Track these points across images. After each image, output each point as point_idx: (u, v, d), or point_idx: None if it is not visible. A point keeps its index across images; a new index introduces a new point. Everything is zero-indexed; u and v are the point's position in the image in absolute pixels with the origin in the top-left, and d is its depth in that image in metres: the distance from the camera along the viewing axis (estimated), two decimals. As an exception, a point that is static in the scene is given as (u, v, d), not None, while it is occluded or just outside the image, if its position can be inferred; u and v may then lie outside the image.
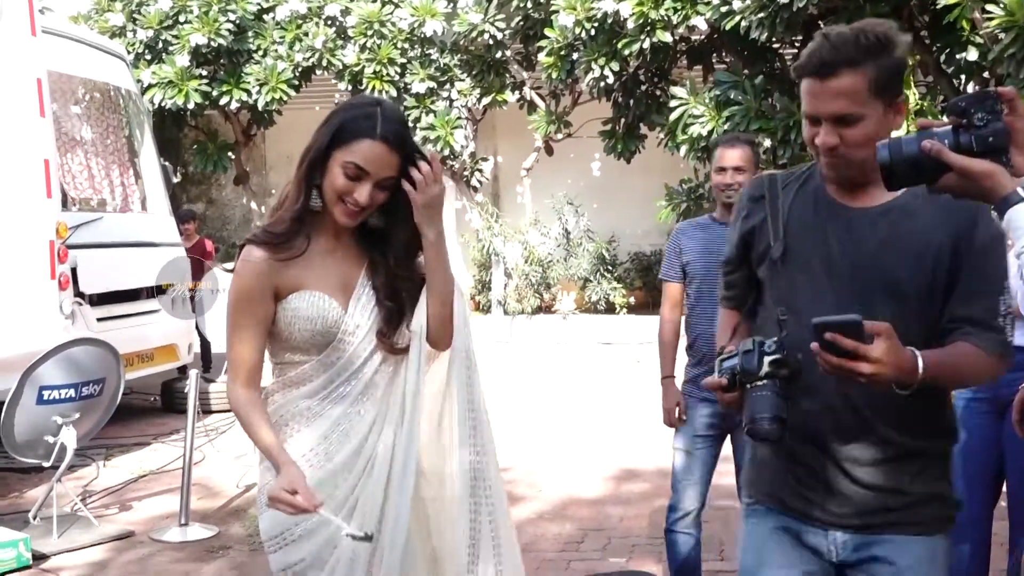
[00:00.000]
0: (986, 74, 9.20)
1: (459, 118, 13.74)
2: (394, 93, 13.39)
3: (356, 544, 2.24)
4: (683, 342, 4.05)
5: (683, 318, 4.02)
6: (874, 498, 2.06)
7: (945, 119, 1.79)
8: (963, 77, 9.52)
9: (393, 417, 2.34)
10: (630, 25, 10.62)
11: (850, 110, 1.98)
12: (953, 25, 8.37)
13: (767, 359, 1.99)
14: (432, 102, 13.63)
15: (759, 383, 1.99)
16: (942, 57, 9.26)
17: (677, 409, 3.92)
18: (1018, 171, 1.73)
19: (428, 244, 2.30)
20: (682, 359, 4.04)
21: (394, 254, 2.34)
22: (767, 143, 9.83)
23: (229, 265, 7.87)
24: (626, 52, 10.80)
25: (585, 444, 7.35)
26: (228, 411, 8.23)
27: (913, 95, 8.50)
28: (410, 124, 13.50)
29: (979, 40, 8.42)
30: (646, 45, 10.63)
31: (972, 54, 8.68)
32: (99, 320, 7.49)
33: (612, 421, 8.07)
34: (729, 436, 3.94)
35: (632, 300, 14.18)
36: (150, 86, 13.05)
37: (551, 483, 6.28)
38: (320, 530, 2.28)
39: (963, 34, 8.71)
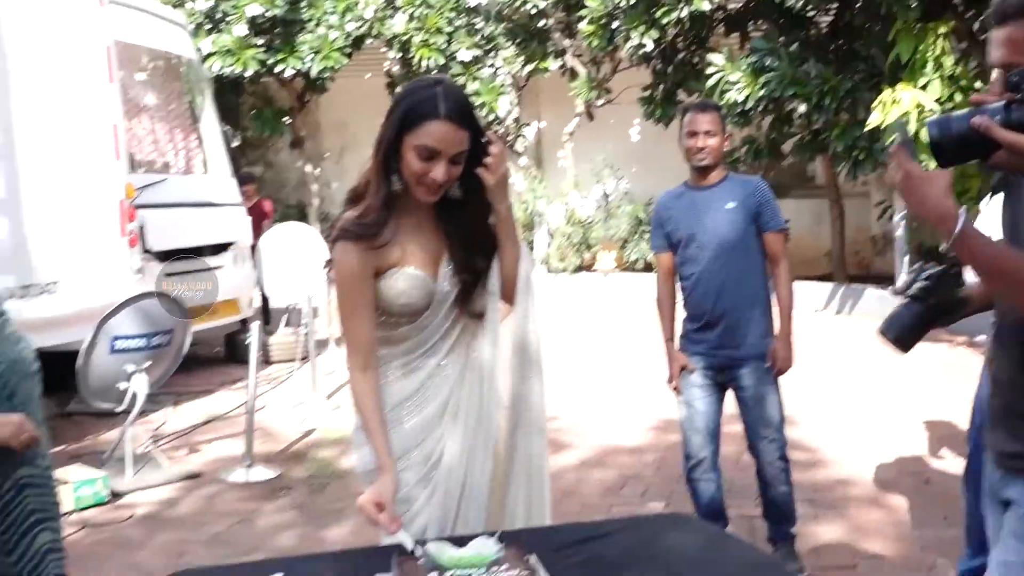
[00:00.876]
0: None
1: (503, 85, 13.68)
2: (441, 61, 13.35)
3: (447, 486, 2.36)
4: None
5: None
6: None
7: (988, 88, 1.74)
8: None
9: (475, 373, 2.43)
10: (669, -6, 10.49)
11: (1012, 59, 1.80)
12: (987, -8, 8.18)
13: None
14: (478, 70, 13.57)
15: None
16: (976, 24, 9.05)
17: (680, 367, 3.97)
18: None
19: (500, 218, 2.37)
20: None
21: (471, 224, 2.39)
22: (802, 108, 9.72)
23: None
24: (665, 20, 10.68)
25: (624, 395, 7.36)
26: (289, 361, 8.39)
27: (949, 61, 8.32)
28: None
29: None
30: (684, 13, 10.51)
31: (1006, 20, 8.49)
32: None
33: (650, 374, 8.02)
34: (732, 389, 3.96)
35: (669, 260, 14.08)
36: (210, 55, 13.07)
37: (593, 432, 6.31)
38: (409, 472, 2.36)
39: (996, 1, 8.51)
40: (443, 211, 2.38)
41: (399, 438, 2.37)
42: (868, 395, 6.98)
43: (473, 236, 2.39)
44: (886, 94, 8.32)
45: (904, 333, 2.22)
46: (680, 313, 4.07)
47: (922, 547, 4.26)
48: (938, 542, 4.29)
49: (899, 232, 11.10)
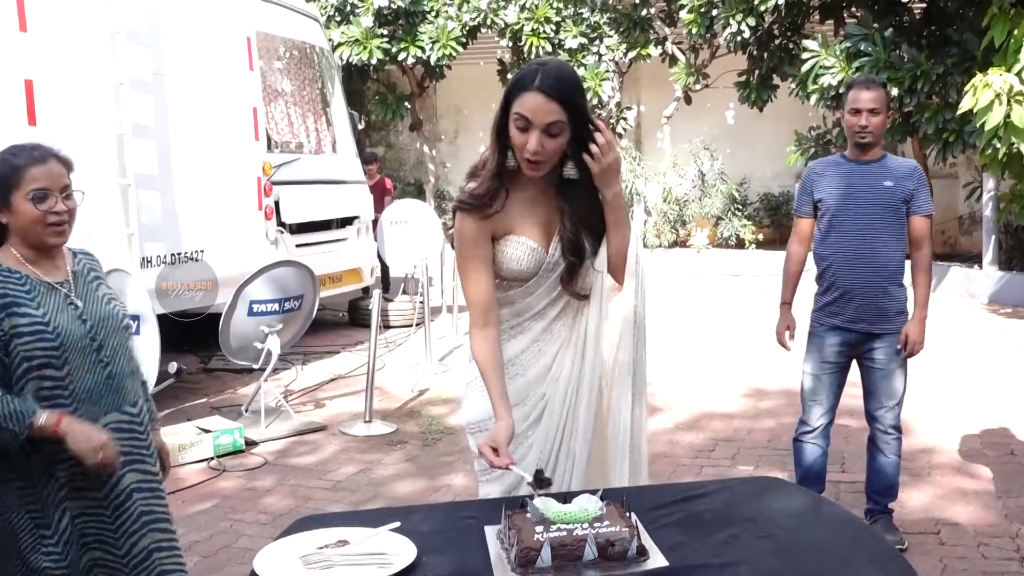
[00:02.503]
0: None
1: (607, 71, 13.52)
2: (549, 49, 13.24)
3: (544, 445, 2.35)
4: (810, 275, 3.89)
5: (810, 251, 3.86)
6: None
7: None
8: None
9: (579, 341, 2.38)
10: (767, -17, 10.18)
11: None
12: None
13: None
14: (583, 56, 13.43)
15: None
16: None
17: (787, 332, 3.82)
18: None
19: (606, 203, 2.32)
20: (807, 292, 3.90)
21: (583, 204, 2.34)
22: (894, 92, 9.33)
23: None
24: (762, 8, 10.37)
25: (717, 364, 7.23)
26: (406, 326, 8.49)
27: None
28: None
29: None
30: (781, 1, 10.18)
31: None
32: (297, 246, 7.75)
33: (741, 345, 7.91)
34: (856, 362, 3.79)
35: (761, 237, 13.79)
36: (339, 44, 13.22)
37: (687, 398, 6.21)
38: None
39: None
40: (561, 189, 2.34)
41: (513, 386, 2.36)
42: (953, 368, 6.69)
43: (583, 216, 2.34)
44: (978, 78, 7.92)
45: None
46: (810, 285, 3.86)
47: (1006, 515, 4.08)
48: (1021, 511, 4.10)
49: (987, 212, 10.63)
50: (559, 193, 2.34)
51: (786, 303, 3.88)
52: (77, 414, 2.23)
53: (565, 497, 2.08)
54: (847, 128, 3.72)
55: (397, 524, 2.04)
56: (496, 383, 2.29)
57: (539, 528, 1.92)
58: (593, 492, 2.10)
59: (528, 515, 2.00)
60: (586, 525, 1.93)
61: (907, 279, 3.75)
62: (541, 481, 2.22)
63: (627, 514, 1.99)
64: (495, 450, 2.17)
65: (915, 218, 3.69)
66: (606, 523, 1.93)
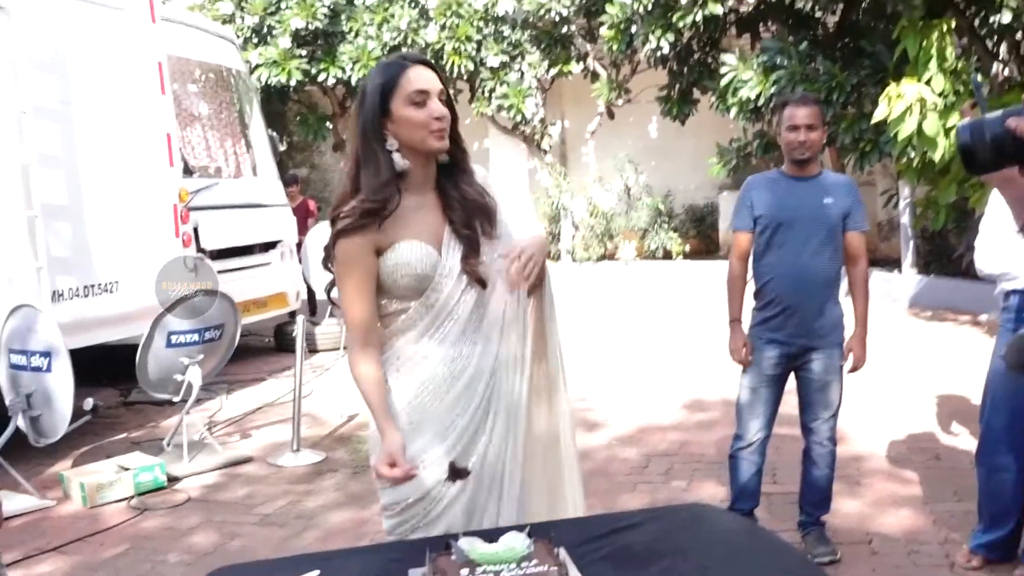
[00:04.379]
0: (1019, 35, 8.73)
1: (530, 87, 13.54)
2: (471, 67, 13.23)
3: (480, 475, 2.24)
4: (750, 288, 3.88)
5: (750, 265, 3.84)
6: None
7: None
8: (996, 39, 9.05)
9: (498, 356, 2.27)
10: (683, -1, 10.33)
11: None
12: (987, -12, 7.96)
13: None
14: (505, 74, 13.44)
15: None
16: (976, 20, 8.80)
17: (744, 350, 3.77)
18: None
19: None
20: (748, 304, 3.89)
21: (462, 181, 2.28)
22: (811, 103, 9.50)
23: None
24: (680, 24, 10.49)
25: (652, 377, 7.23)
26: (333, 349, 8.33)
27: (951, 56, 8.08)
28: (486, 94, 13.39)
29: (1013, 3, 7.97)
30: (698, 17, 10.31)
31: (1006, 16, 8.22)
32: (219, 272, 7.54)
33: (673, 356, 7.93)
34: (793, 374, 3.79)
35: (687, 248, 13.94)
36: (257, 66, 13.04)
37: (619, 413, 6.18)
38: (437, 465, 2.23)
39: (997, -3, 8.26)
40: (439, 182, 2.28)
41: (425, 425, 2.23)
42: (877, 373, 6.77)
43: (468, 199, 2.26)
44: (891, 89, 8.10)
45: None
46: (748, 301, 3.85)
47: (934, 521, 4.11)
48: (949, 516, 4.14)
49: (904, 219, 10.88)
50: (439, 186, 2.28)
51: (735, 319, 3.84)
52: None
53: (491, 535, 2.00)
54: (784, 145, 3.69)
55: (316, 573, 1.94)
56: (379, 401, 2.19)
57: (464, 571, 1.84)
58: (520, 528, 2.02)
59: (453, 557, 1.92)
60: (513, 565, 1.86)
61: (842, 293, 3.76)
62: (457, 472, 2.13)
63: (556, 551, 1.92)
64: (392, 467, 2.07)
65: (852, 234, 3.69)
66: (534, 562, 1.86)
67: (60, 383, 4.90)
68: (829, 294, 3.69)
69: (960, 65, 8.26)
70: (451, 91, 2.32)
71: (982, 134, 1.45)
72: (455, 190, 2.26)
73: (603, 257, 14.10)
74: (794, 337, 3.69)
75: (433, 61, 2.28)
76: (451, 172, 2.28)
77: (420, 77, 2.17)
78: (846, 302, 3.77)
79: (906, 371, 6.87)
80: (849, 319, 3.78)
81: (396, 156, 2.19)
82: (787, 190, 3.69)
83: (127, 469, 5.01)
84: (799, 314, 3.66)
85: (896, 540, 3.95)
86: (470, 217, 2.25)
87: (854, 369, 3.76)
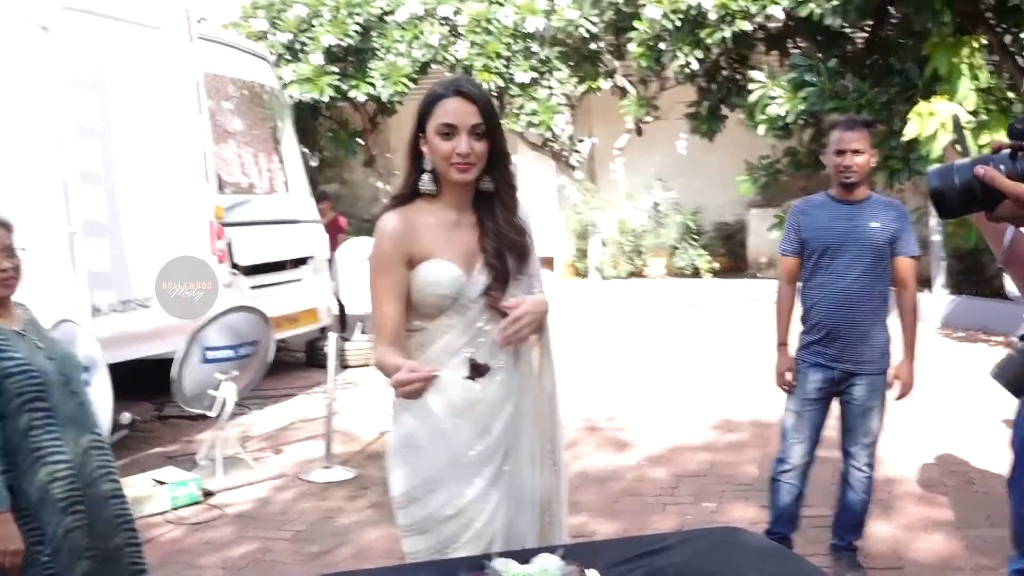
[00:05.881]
0: (1051, 53, 8.70)
1: (559, 104, 13.62)
2: (500, 83, 13.32)
3: (511, 497, 2.30)
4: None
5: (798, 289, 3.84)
6: None
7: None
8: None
9: (523, 382, 2.34)
10: (712, 16, 10.38)
11: None
12: (1018, 7, 7.93)
13: None
14: (534, 91, 13.52)
15: None
16: (1007, 37, 8.77)
17: (788, 374, 3.78)
18: None
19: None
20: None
21: (501, 213, 2.31)
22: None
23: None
24: (709, 41, 10.54)
25: (679, 397, 7.23)
26: (364, 366, 8.38)
27: (982, 73, 8.06)
28: (515, 111, 13.47)
29: (1044, 21, 7.96)
30: (727, 34, 10.37)
31: (1037, 34, 8.22)
32: (252, 288, 7.65)
33: (704, 375, 7.93)
34: (837, 399, 3.79)
35: (716, 265, 13.92)
36: (289, 82, 13.19)
37: (650, 433, 6.19)
38: (445, 486, 2.27)
39: (1029, 15, 8.24)
40: (477, 208, 2.32)
41: (441, 447, 2.27)
42: (911, 396, 6.75)
43: (504, 233, 2.29)
44: (921, 106, 8.09)
45: (1017, 378, 2.05)
46: (795, 325, 3.84)
47: (966, 547, 4.10)
48: (982, 542, 4.12)
49: (935, 237, 10.81)
50: (477, 211, 2.32)
51: (782, 344, 3.84)
52: (65, 437, 2.64)
53: (524, 556, 2.04)
54: (832, 168, 3.68)
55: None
56: (396, 355, 2.18)
57: (499, 592, 1.88)
58: (553, 549, 2.06)
59: (488, 577, 1.96)
60: (547, 587, 1.90)
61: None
62: (477, 367, 2.14)
63: (587, 572, 1.96)
64: (412, 375, 2.03)
65: (901, 259, 3.68)
66: (568, 584, 1.90)
67: (99, 397, 4.99)
68: (875, 319, 3.67)
69: (992, 82, 8.23)
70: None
71: (952, 179, 1.48)
72: (491, 220, 2.31)
73: (631, 274, 14.10)
74: (838, 361, 3.69)
75: (479, 91, 2.27)
76: (491, 201, 2.32)
77: (452, 110, 2.20)
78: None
79: (938, 393, 6.83)
80: (897, 345, 3.76)
81: (426, 177, 2.26)
82: (834, 214, 3.69)
83: (163, 483, 5.09)
84: (843, 338, 3.66)
85: (928, 566, 3.94)
86: (501, 249, 2.29)
87: (900, 396, 3.75)
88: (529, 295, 2.30)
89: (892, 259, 3.68)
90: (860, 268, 3.62)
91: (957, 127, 1.61)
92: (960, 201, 1.50)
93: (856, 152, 3.60)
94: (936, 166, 1.53)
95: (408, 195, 2.29)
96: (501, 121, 2.32)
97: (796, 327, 3.87)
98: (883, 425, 3.80)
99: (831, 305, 3.67)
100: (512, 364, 2.33)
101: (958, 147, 1.57)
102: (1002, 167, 1.46)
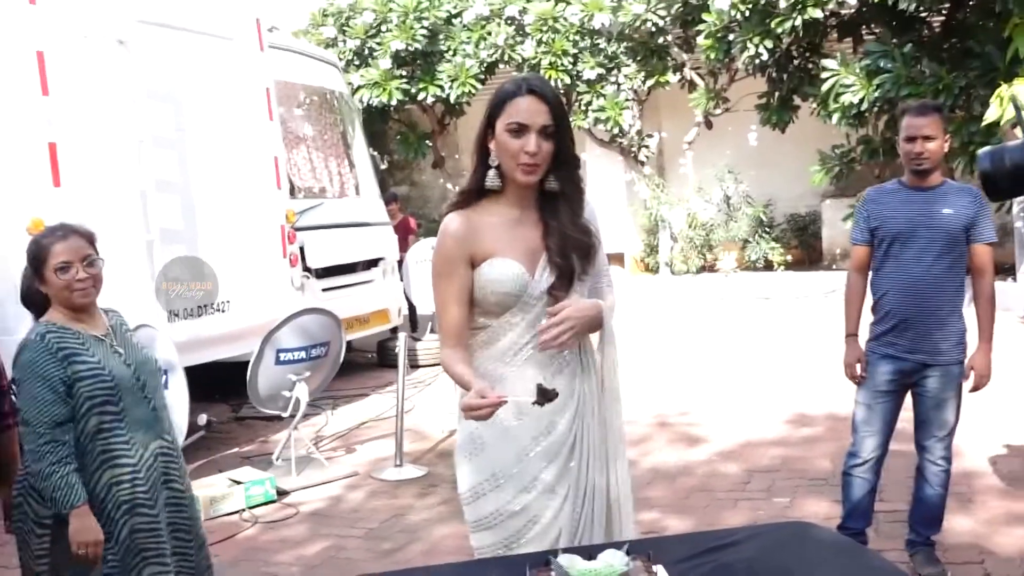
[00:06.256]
0: None
1: (627, 100, 13.56)
2: (567, 81, 13.31)
3: (577, 493, 2.30)
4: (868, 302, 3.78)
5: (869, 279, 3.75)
6: None
7: None
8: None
9: (588, 380, 2.34)
10: (782, 4, 10.22)
11: None
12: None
13: None
14: (602, 87, 13.48)
15: None
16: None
17: (858, 365, 3.70)
18: None
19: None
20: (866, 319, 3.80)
21: (566, 213, 2.29)
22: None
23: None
24: (779, 30, 10.38)
25: (754, 390, 7.12)
26: (434, 365, 8.45)
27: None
28: (583, 107, 13.43)
29: None
30: (798, 22, 10.20)
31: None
32: (324, 291, 7.77)
33: (777, 369, 7.80)
34: (910, 391, 3.70)
35: (789, 258, 13.70)
36: (359, 87, 13.38)
37: (724, 427, 6.12)
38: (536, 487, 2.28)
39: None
40: (542, 206, 2.31)
41: (503, 444, 2.28)
42: (992, 385, 6.54)
43: (568, 232, 2.28)
44: (1003, 89, 7.84)
45: None
46: (866, 315, 3.76)
47: (1053, 542, 3.96)
48: (1069, 537, 3.98)
49: (1018, 223, 10.47)
50: (541, 210, 2.30)
51: (852, 334, 3.75)
52: (132, 442, 2.70)
53: (590, 552, 2.04)
54: (903, 155, 3.60)
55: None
56: (466, 367, 2.21)
57: (563, 588, 1.88)
58: (619, 546, 2.05)
59: (553, 573, 1.96)
60: (612, 583, 1.89)
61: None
62: (545, 393, 2.12)
63: (654, 568, 1.94)
64: (481, 400, 2.07)
65: (976, 246, 3.57)
66: (632, 580, 1.89)
67: (176, 399, 5.12)
68: (949, 309, 3.57)
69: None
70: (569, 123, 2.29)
71: (1003, 161, 1.44)
72: (555, 219, 2.29)
73: (702, 269, 13.96)
74: (909, 352, 3.60)
75: (551, 91, 2.26)
76: (556, 200, 2.30)
77: (523, 109, 2.20)
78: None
79: (1020, 384, 6.61)
80: (973, 334, 3.64)
81: (491, 173, 2.26)
82: (905, 201, 3.60)
83: (239, 483, 5.20)
84: (914, 328, 3.56)
85: (1010, 561, 3.81)
86: (566, 248, 2.28)
87: (976, 388, 3.63)
88: (593, 296, 2.31)
89: (968, 246, 3.57)
90: (932, 255, 3.53)
91: (1017, 107, 1.54)
92: (1011, 183, 1.45)
93: (928, 138, 3.50)
94: (987, 148, 1.48)
95: (473, 192, 2.30)
96: (570, 119, 2.31)
97: (868, 318, 3.79)
98: (959, 417, 3.69)
99: (902, 294, 3.58)
100: (577, 361, 2.33)
101: (1018, 129, 1.52)
102: None
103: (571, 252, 2.28)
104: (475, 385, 2.13)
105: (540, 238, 2.29)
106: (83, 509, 2.62)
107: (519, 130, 2.19)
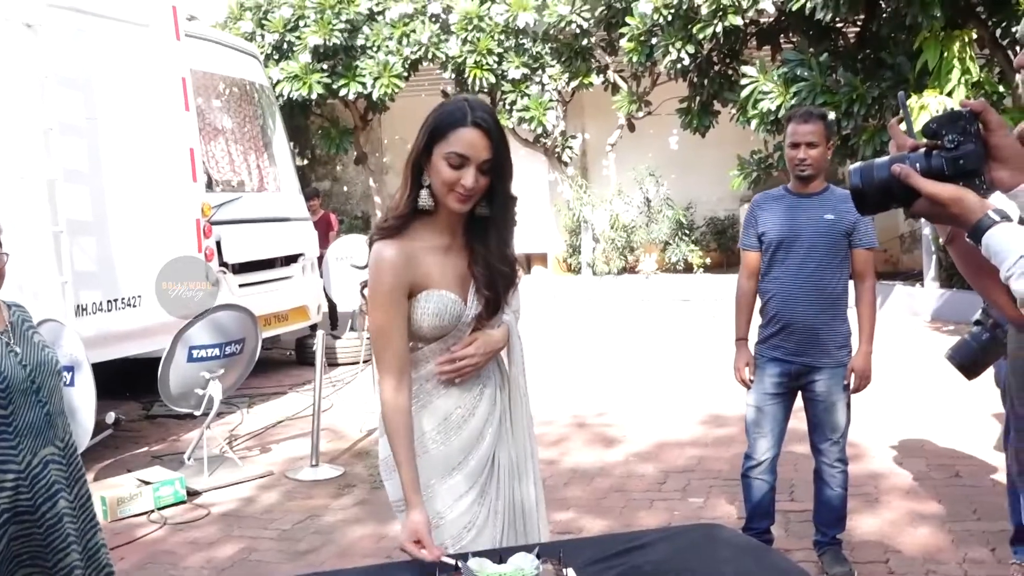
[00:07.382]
0: (1040, 46, 8.69)
1: (551, 100, 13.60)
2: (492, 80, 13.29)
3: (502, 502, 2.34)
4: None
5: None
6: None
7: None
8: (1018, 49, 9.00)
9: (507, 395, 2.37)
10: (704, 11, 10.35)
11: None
12: (1009, 1, 7.92)
13: None
14: (526, 87, 13.50)
15: None
16: (998, 31, 8.77)
17: (747, 369, 3.78)
18: (1001, 185, 1.49)
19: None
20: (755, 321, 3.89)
21: (494, 242, 2.27)
22: (831, 116, 9.48)
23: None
24: (700, 36, 10.51)
25: (672, 392, 7.22)
26: (354, 363, 8.36)
27: (973, 67, 8.05)
28: (507, 107, 13.44)
29: (1034, 14, 7.94)
30: (719, 29, 10.34)
31: (1027, 27, 8.19)
32: (240, 286, 7.62)
33: (693, 371, 7.92)
34: (800, 392, 3.78)
35: (708, 261, 13.91)
36: (278, 81, 13.17)
37: (638, 429, 6.18)
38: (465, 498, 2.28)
39: (1018, 8, 8.22)
40: (469, 229, 2.27)
41: (436, 458, 2.27)
42: (897, 388, 6.75)
43: (494, 260, 2.26)
44: (912, 100, 8.08)
45: (969, 361, 2.05)
46: (755, 318, 3.84)
47: (953, 540, 4.09)
48: (968, 536, 4.11)
49: (926, 231, 10.82)
50: (468, 233, 2.27)
51: (741, 338, 3.84)
52: (19, 448, 2.52)
53: (500, 555, 2.03)
54: (787, 161, 3.70)
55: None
56: (411, 466, 2.17)
57: (473, 592, 1.86)
58: (529, 549, 2.04)
59: (462, 577, 1.94)
60: (521, 587, 1.88)
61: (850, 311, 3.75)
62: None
63: (564, 571, 1.94)
64: (418, 545, 2.06)
65: (858, 251, 3.67)
66: (542, 583, 1.88)
67: (83, 397, 4.96)
68: (832, 312, 3.66)
69: (983, 75, 8.23)
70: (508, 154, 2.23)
71: (871, 176, 1.51)
72: (483, 246, 2.26)
73: (624, 270, 14.09)
74: (795, 355, 3.68)
75: (496, 125, 2.19)
76: (486, 227, 2.27)
77: (466, 141, 2.13)
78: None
79: (926, 386, 6.83)
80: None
81: (424, 193, 2.20)
82: (789, 207, 3.69)
83: (148, 483, 5.06)
84: (799, 332, 3.65)
85: (914, 559, 3.92)
86: (493, 279, 2.26)
87: (857, 389, 3.72)
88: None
89: (850, 251, 3.67)
90: (815, 261, 3.62)
91: (903, 106, 1.60)
92: (879, 198, 1.52)
93: (811, 145, 3.59)
94: (857, 164, 1.55)
95: (407, 216, 2.22)
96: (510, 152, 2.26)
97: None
98: (850, 419, 3.78)
99: (786, 299, 3.67)
100: (497, 373, 2.36)
101: (903, 126, 1.58)
102: (917, 165, 1.49)
103: (498, 283, 2.27)
104: (413, 514, 2.11)
105: (467, 266, 2.27)
106: None
107: (459, 163, 2.14)
